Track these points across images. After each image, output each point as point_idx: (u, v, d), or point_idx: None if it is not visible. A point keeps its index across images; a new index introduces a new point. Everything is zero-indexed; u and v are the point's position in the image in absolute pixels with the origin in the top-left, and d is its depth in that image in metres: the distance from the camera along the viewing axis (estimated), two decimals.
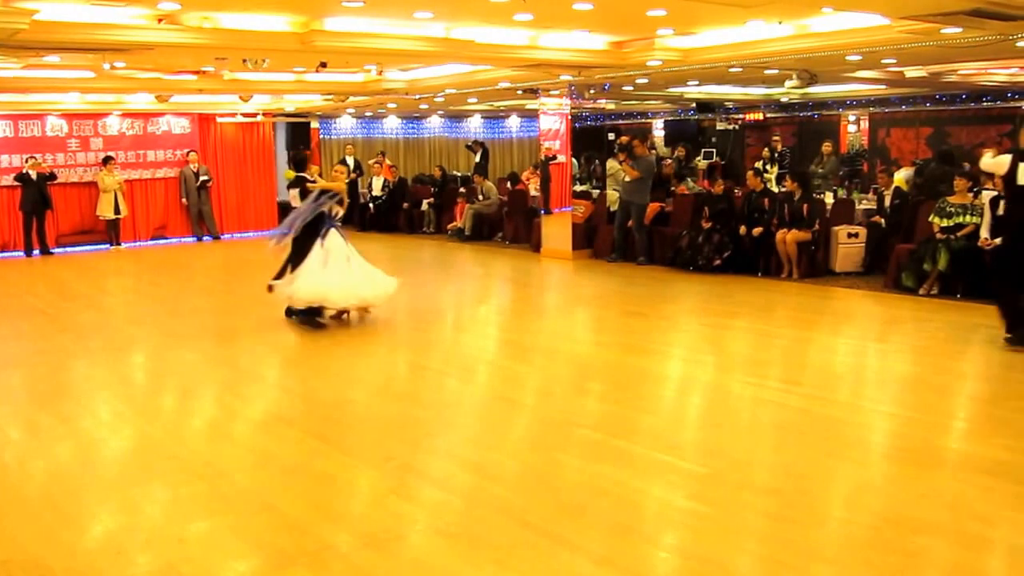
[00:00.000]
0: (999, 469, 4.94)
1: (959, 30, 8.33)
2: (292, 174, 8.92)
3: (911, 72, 13.68)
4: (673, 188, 13.85)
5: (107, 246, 16.53)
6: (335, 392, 6.92)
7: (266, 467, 5.16)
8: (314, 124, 20.39)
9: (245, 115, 18.16)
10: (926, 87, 16.07)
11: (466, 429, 5.92)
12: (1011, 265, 7.86)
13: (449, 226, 17.30)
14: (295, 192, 8.92)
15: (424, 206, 18.36)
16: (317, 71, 11.55)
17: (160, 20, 8.33)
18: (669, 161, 15.52)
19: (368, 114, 21.02)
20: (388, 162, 19.52)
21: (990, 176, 10.16)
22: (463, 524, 4.32)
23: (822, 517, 4.37)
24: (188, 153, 17.66)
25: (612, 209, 13.63)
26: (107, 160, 16.51)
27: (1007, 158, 7.98)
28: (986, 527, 4.19)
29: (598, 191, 14.97)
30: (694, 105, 19.45)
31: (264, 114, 18.39)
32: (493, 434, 5.78)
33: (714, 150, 19.58)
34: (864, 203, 12.75)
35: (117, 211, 16.47)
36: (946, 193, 10.40)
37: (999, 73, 14.82)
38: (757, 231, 11.52)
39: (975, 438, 5.66)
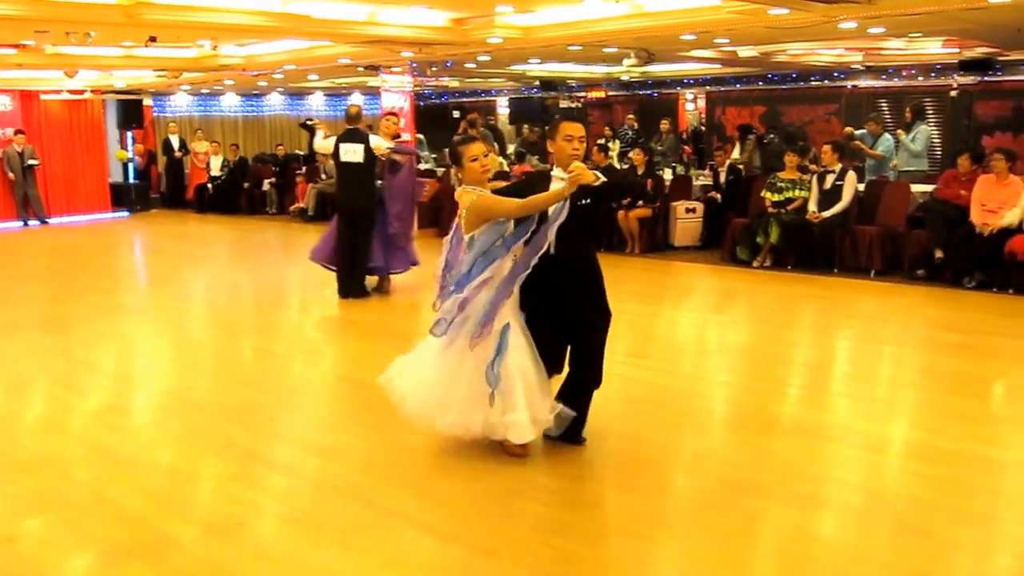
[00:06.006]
0: (828, 432, 5.22)
1: (786, 12, 8.69)
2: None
3: (744, 52, 14.18)
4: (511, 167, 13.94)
5: None
6: (174, 380, 6.67)
7: (101, 460, 4.93)
8: (147, 101, 19.38)
9: (72, 92, 17.15)
10: (758, 67, 16.72)
11: (311, 412, 5.82)
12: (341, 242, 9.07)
13: (292, 206, 16.92)
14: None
15: (266, 186, 17.85)
16: (147, 46, 11.02)
17: None
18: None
19: (205, 91, 20.24)
20: (208, 140, 18.85)
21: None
22: (308, 508, 4.25)
23: (663, 485, 4.53)
24: (16, 133, 16.55)
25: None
26: None
27: (332, 140, 9.03)
28: (815, 487, 4.42)
29: (443, 169, 14.92)
30: (538, 83, 19.63)
31: (92, 91, 17.41)
32: (338, 416, 5.70)
33: None
34: (701, 179, 13.19)
35: None
36: (779, 168, 10.87)
37: (825, 54, 15.57)
38: None
39: (805, 403, 5.97)
